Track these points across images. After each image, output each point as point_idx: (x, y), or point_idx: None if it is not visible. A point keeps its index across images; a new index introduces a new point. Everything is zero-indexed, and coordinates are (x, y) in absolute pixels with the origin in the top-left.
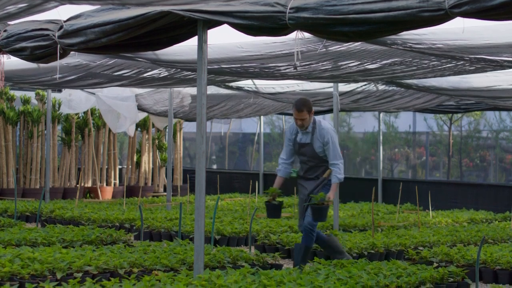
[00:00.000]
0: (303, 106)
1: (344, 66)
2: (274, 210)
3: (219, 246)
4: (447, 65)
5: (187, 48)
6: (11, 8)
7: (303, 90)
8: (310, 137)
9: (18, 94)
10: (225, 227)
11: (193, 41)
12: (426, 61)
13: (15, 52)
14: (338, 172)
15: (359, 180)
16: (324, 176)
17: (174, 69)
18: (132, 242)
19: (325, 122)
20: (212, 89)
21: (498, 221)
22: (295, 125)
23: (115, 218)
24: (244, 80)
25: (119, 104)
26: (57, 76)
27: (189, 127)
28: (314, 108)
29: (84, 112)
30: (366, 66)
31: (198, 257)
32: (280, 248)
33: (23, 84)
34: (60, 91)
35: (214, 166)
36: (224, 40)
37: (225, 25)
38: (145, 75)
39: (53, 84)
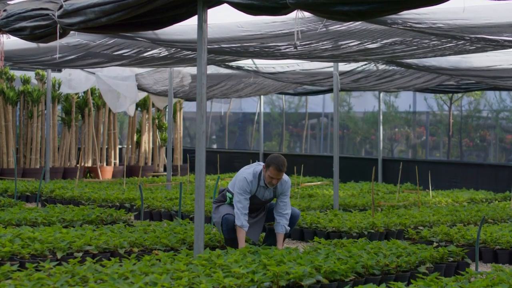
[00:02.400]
0: (283, 166)
1: (344, 46)
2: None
3: None
4: (448, 45)
5: (187, 27)
6: None
7: (303, 70)
8: (273, 191)
9: (18, 74)
10: None
11: (193, 21)
12: (427, 41)
13: (15, 32)
14: (286, 224)
15: (359, 160)
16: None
17: (174, 49)
18: (132, 222)
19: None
20: (212, 69)
21: (498, 201)
22: (257, 181)
23: (115, 198)
24: (244, 59)
25: (119, 84)
26: (57, 55)
27: (189, 106)
28: (314, 88)
29: (84, 92)
30: (367, 46)
31: (198, 236)
32: None
33: (23, 64)
34: (60, 70)
35: (214, 146)
36: (224, 19)
37: (225, 5)
38: (145, 54)
39: (53, 63)
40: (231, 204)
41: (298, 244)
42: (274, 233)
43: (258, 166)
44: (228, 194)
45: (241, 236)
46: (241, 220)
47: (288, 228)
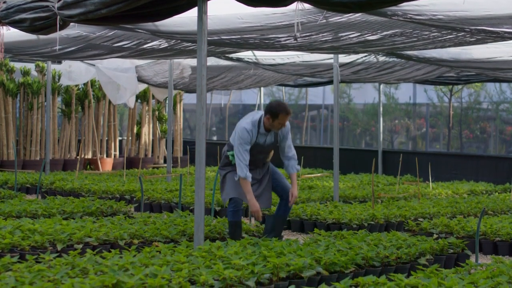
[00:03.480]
0: (290, 110)
1: (344, 38)
2: None
3: (219, 217)
4: (448, 36)
5: (187, 19)
6: None
7: (303, 62)
8: (273, 136)
9: (18, 65)
10: None
11: (193, 12)
12: (427, 32)
13: (15, 24)
14: (297, 163)
15: (359, 152)
16: (268, 160)
17: (174, 40)
18: (132, 214)
19: None
20: (212, 61)
21: (498, 193)
22: (257, 129)
23: (115, 190)
24: (244, 51)
25: (119, 76)
26: (57, 47)
27: (189, 98)
28: (314, 80)
29: (84, 84)
30: (367, 37)
31: (198, 228)
32: None
33: (22, 56)
34: (60, 62)
35: (214, 138)
36: (224, 11)
37: None
38: (145, 46)
39: (53, 55)
40: (232, 161)
41: (298, 235)
42: (276, 216)
43: (256, 114)
44: (229, 153)
45: (247, 187)
46: (244, 172)
47: (298, 167)
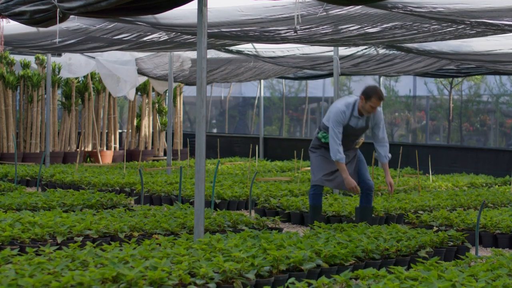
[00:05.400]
0: (383, 95)
1: (344, 30)
2: None
3: (219, 210)
4: (448, 29)
5: (187, 11)
6: None
7: (303, 54)
8: (365, 120)
9: (17, 58)
10: (225, 191)
11: (193, 5)
12: (427, 25)
13: (15, 16)
14: (387, 151)
15: None
16: (357, 146)
17: (174, 33)
18: (132, 206)
19: None
20: (212, 53)
21: (498, 185)
22: (351, 111)
23: (115, 182)
24: (244, 44)
25: (119, 68)
26: (57, 40)
27: (189, 91)
28: (315, 72)
29: (84, 76)
30: (367, 30)
31: (198, 221)
32: (280, 212)
33: (22, 49)
34: (60, 55)
35: (214, 130)
36: (224, 3)
37: None
38: (145, 39)
39: (52, 48)
40: (325, 152)
41: (298, 228)
42: (361, 208)
43: (350, 97)
44: (320, 134)
45: (342, 166)
46: (338, 154)
47: (389, 155)
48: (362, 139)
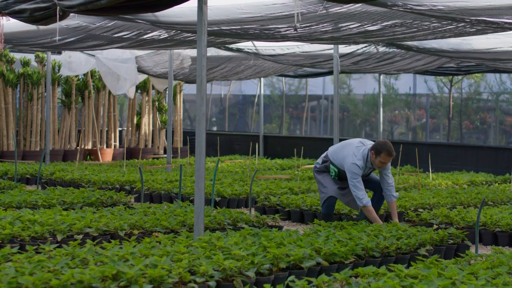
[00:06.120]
0: (393, 151)
1: (344, 28)
2: None
3: (219, 208)
4: (448, 27)
5: (187, 9)
6: None
7: (303, 52)
8: (371, 167)
9: (17, 56)
10: (225, 189)
11: (193, 3)
12: (427, 23)
13: (15, 14)
14: (393, 191)
15: None
16: None
17: (174, 31)
18: (132, 204)
19: None
20: (212, 51)
21: (498, 183)
22: (365, 164)
23: (115, 180)
24: (244, 41)
25: (119, 66)
26: (57, 38)
27: (189, 89)
28: (315, 70)
29: (84, 74)
30: (367, 28)
31: (198, 219)
32: (280, 209)
33: (22, 46)
34: (60, 53)
35: (214, 128)
36: (224, 1)
37: None
38: (145, 37)
39: (52, 46)
40: (335, 178)
41: (298, 226)
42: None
43: (364, 148)
44: (332, 168)
45: (371, 214)
46: (364, 201)
47: (397, 194)
48: None
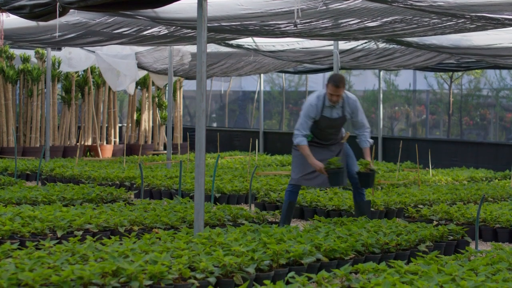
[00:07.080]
0: (340, 82)
1: (344, 24)
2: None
3: (219, 204)
4: (448, 23)
5: (186, 5)
6: None
7: (303, 48)
8: (341, 110)
9: (17, 52)
10: (225, 185)
11: None
12: (427, 19)
13: (14, 10)
14: (368, 137)
15: None
16: (343, 141)
17: (174, 27)
18: (132, 200)
19: (349, 92)
20: (212, 47)
21: (498, 180)
22: (322, 102)
23: (115, 176)
24: (244, 38)
25: (119, 62)
26: (57, 34)
27: (189, 85)
28: (315, 66)
29: (84, 70)
30: (367, 24)
31: (198, 215)
32: (280, 206)
33: (22, 43)
34: (59, 49)
35: (214, 124)
36: None
37: None
38: (144, 33)
39: (52, 42)
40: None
41: (298, 222)
42: (357, 203)
43: (323, 90)
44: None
45: (305, 151)
46: (299, 139)
47: (371, 140)
48: (348, 133)
